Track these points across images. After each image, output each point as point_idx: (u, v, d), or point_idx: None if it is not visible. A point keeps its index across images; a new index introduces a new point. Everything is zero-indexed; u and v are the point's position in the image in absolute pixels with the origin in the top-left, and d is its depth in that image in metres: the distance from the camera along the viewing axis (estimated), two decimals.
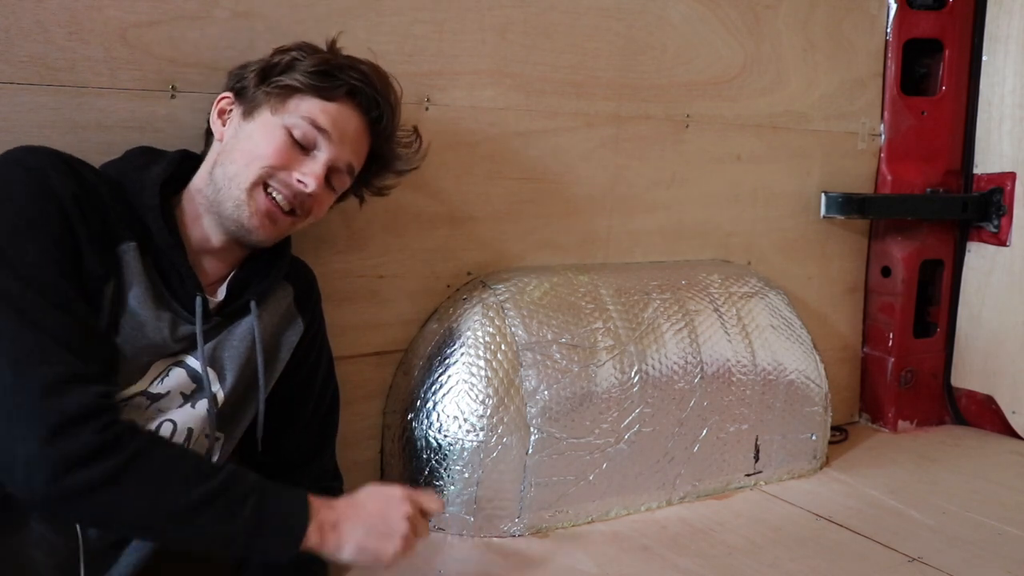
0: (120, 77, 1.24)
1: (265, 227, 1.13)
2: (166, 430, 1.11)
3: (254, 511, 0.99)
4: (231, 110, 1.17)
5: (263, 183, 1.11)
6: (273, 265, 1.22)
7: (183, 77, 1.27)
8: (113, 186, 1.09)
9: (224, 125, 1.17)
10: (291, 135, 1.12)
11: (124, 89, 1.25)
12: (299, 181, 1.12)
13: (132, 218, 1.09)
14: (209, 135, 1.20)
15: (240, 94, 1.17)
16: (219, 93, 1.19)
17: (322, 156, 1.14)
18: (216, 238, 1.15)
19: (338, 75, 1.15)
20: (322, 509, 1.05)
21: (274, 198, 1.12)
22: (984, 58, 2.13)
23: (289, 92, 1.13)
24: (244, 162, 1.11)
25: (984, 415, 2.17)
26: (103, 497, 0.93)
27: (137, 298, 1.07)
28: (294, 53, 1.16)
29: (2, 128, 1.16)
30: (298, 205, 1.14)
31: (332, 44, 1.22)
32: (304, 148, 1.13)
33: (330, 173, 1.16)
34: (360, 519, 1.07)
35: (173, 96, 1.27)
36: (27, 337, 0.92)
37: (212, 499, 0.97)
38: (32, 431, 0.90)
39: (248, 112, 1.15)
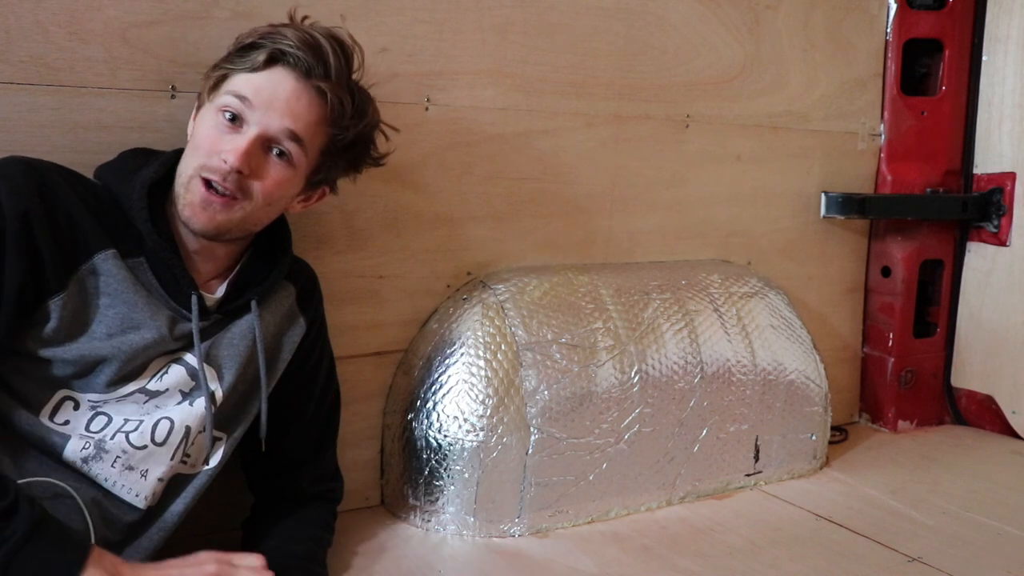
0: (120, 77, 1.24)
1: (198, 215, 1.09)
2: (163, 428, 1.11)
3: (6, 557, 0.91)
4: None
5: (199, 175, 1.09)
6: (274, 264, 1.22)
7: (183, 77, 1.27)
8: (101, 191, 1.10)
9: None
10: (222, 116, 1.09)
11: (124, 89, 1.25)
12: (222, 160, 1.08)
13: (119, 223, 1.09)
14: None
15: (201, 93, 1.17)
16: None
17: (250, 129, 1.09)
18: (191, 242, 1.14)
19: (260, 43, 1.11)
20: (104, 569, 0.96)
21: (211, 185, 1.08)
22: (984, 58, 2.13)
23: (222, 77, 1.12)
24: (188, 158, 1.11)
25: (984, 415, 2.17)
26: None
27: (127, 303, 1.07)
28: (241, 38, 1.14)
29: (2, 128, 1.16)
30: (232, 185, 1.08)
31: (292, 15, 1.19)
32: (238, 126, 1.09)
33: (271, 143, 1.11)
34: None
35: (173, 96, 1.27)
36: None
37: None
38: None
39: (197, 109, 1.15)
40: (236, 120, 1.09)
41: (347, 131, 1.18)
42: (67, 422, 1.06)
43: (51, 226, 1.03)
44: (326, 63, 1.13)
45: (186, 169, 1.10)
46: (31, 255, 1.01)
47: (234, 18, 1.30)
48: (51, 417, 1.05)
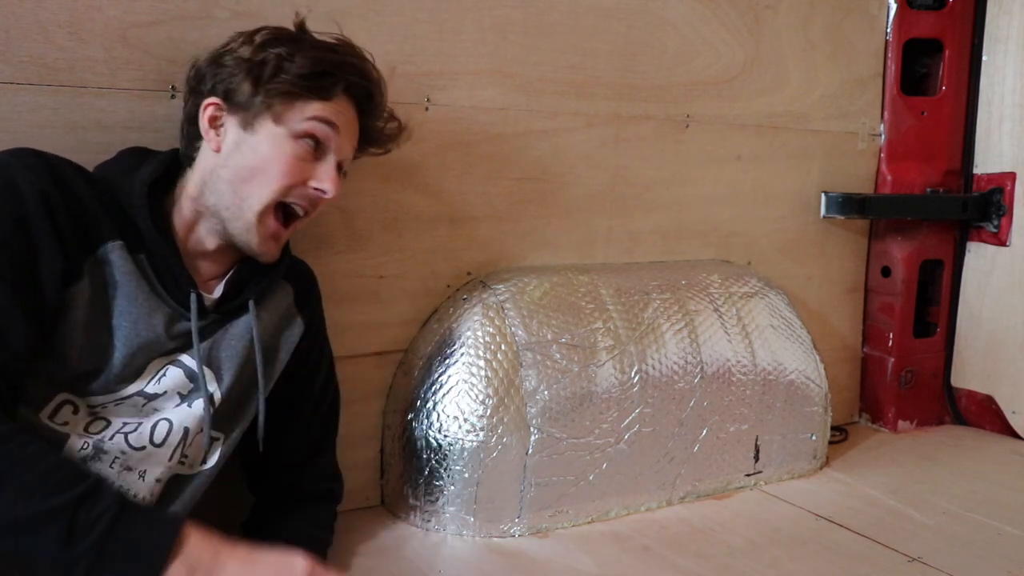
0: (120, 77, 1.24)
1: (271, 249, 1.15)
2: (162, 429, 1.11)
3: (100, 537, 0.89)
4: (221, 117, 1.13)
5: (274, 204, 1.12)
6: (272, 265, 1.22)
7: (183, 77, 1.26)
8: (103, 187, 1.09)
9: (219, 135, 1.13)
10: (300, 143, 1.11)
11: (124, 89, 1.25)
12: (316, 189, 1.13)
13: (122, 218, 1.08)
14: (189, 135, 1.17)
15: (230, 99, 1.12)
16: None
17: (332, 157, 1.15)
18: (212, 243, 1.15)
19: (336, 73, 1.14)
20: (197, 549, 0.93)
21: (290, 211, 1.14)
22: (984, 58, 2.13)
23: (290, 99, 1.11)
24: (258, 183, 1.10)
25: (984, 415, 2.17)
26: None
27: (127, 296, 1.07)
28: (277, 50, 1.11)
29: (2, 128, 1.16)
30: (311, 208, 1.16)
31: (301, 25, 1.18)
32: (317, 153, 1.13)
33: (341, 166, 1.18)
34: None
35: (173, 96, 1.27)
36: None
37: (54, 515, 0.88)
38: None
39: (248, 123, 1.11)
40: (318, 146, 1.13)
41: (376, 150, 1.29)
42: (66, 423, 1.06)
43: (67, 211, 1.02)
44: (383, 96, 1.23)
45: (257, 195, 1.10)
46: (56, 238, 1.00)
47: (234, 18, 1.30)
48: (51, 417, 1.05)
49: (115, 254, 1.07)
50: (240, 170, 1.11)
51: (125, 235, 1.08)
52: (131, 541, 0.91)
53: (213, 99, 1.13)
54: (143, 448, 1.09)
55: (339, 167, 1.17)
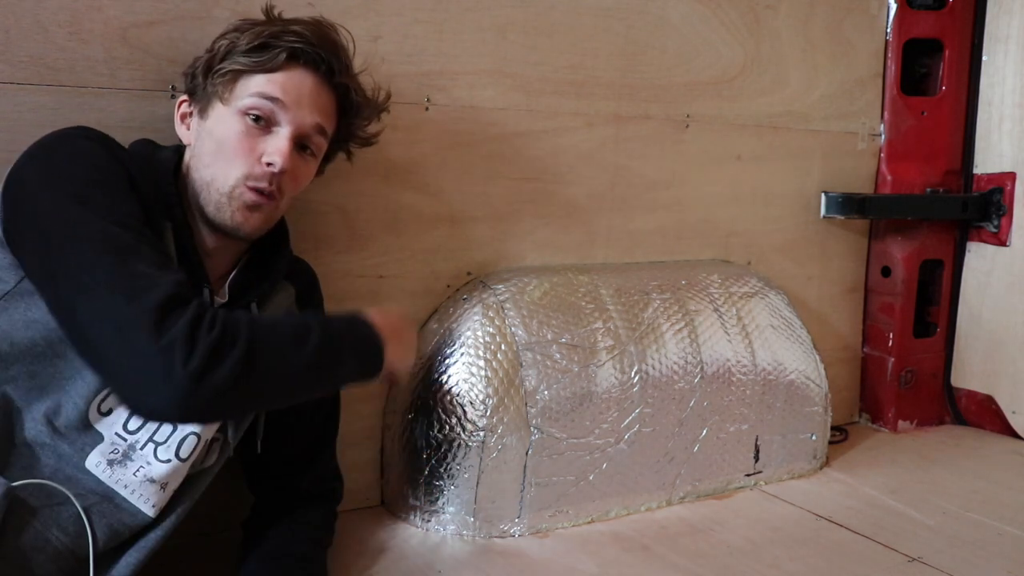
0: (120, 77, 1.24)
1: (250, 219, 1.11)
2: (189, 444, 1.10)
3: (351, 348, 1.08)
4: (191, 112, 1.16)
5: (243, 184, 1.10)
6: (273, 266, 1.22)
7: (183, 77, 1.26)
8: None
9: (188, 129, 1.16)
10: (247, 119, 1.10)
11: (124, 89, 1.25)
12: (267, 164, 1.09)
13: (162, 202, 1.10)
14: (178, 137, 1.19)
15: (193, 94, 1.16)
16: None
17: (284, 129, 1.11)
18: (209, 240, 1.15)
19: (274, 43, 1.10)
20: (375, 320, 1.14)
21: (254, 188, 1.10)
22: (984, 58, 2.13)
23: (234, 77, 1.11)
24: (218, 165, 1.10)
25: (984, 415, 2.17)
26: (243, 385, 0.94)
27: None
28: (231, 36, 1.13)
29: (2, 128, 1.16)
30: (275, 187, 1.11)
31: (268, 10, 1.19)
32: (265, 127, 1.10)
33: (302, 140, 1.14)
34: (399, 339, 1.18)
35: (173, 96, 1.27)
36: (130, 269, 0.94)
37: (322, 349, 1.02)
38: (156, 351, 0.89)
39: (203, 110, 1.13)
40: (261, 121, 1.10)
41: (362, 120, 1.24)
42: (110, 411, 1.05)
43: (143, 183, 1.06)
44: (340, 58, 1.17)
45: (220, 177, 1.09)
46: (146, 206, 1.04)
47: (234, 18, 1.28)
48: (100, 405, 1.03)
49: (168, 235, 1.08)
50: (203, 156, 1.12)
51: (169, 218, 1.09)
52: (364, 343, 1.11)
53: (182, 97, 1.18)
54: (168, 461, 1.08)
55: (301, 138, 1.14)
